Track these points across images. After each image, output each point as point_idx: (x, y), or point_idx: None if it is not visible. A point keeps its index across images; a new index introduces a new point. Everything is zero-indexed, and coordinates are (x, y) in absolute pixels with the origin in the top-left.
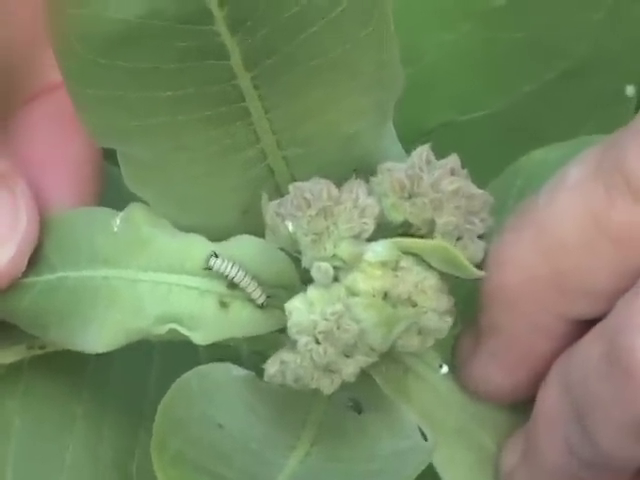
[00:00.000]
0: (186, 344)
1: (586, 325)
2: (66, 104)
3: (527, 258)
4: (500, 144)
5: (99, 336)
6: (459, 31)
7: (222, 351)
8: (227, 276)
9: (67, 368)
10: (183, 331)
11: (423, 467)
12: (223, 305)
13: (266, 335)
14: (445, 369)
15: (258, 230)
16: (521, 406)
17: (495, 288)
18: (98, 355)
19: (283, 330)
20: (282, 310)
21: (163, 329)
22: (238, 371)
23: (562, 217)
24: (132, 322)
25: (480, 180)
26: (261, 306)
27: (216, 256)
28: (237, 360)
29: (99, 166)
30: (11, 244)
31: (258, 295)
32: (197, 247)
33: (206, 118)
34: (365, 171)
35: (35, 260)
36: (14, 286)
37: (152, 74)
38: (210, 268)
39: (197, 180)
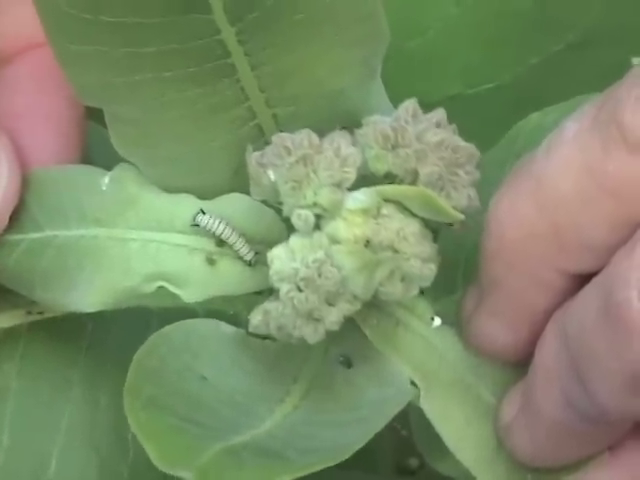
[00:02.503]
0: (184, 311)
1: (586, 279)
2: (46, 61)
3: (525, 213)
4: (507, 116)
5: (87, 296)
6: (465, 4)
7: (221, 318)
8: (215, 233)
9: (65, 334)
10: (172, 288)
11: (402, 406)
12: (211, 262)
13: (261, 298)
14: (437, 322)
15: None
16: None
17: (494, 244)
18: (96, 321)
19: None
20: None
21: (152, 287)
22: (227, 327)
23: (559, 170)
24: (121, 281)
25: (486, 151)
26: (249, 263)
27: (203, 213)
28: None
29: (81, 122)
30: None
31: (246, 252)
32: (185, 205)
33: (191, 75)
34: (356, 126)
35: (19, 217)
36: (0, 244)
37: (135, 29)
38: (197, 225)
39: (186, 139)
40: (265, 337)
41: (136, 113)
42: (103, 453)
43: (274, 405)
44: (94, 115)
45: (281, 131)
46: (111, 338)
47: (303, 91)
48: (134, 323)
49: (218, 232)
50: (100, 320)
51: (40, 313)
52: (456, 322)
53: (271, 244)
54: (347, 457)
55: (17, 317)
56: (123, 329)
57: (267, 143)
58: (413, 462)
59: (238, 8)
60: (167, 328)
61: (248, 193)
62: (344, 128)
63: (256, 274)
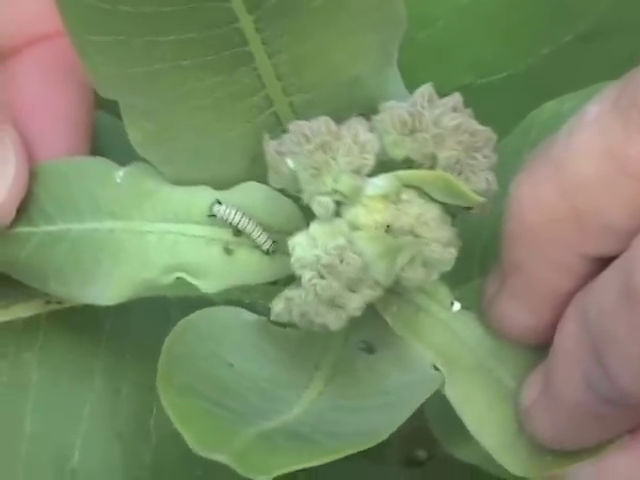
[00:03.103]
0: (203, 299)
1: (607, 263)
2: (54, 53)
3: (547, 196)
4: (518, 106)
5: (107, 289)
6: None
7: (237, 306)
8: (231, 223)
9: (85, 323)
10: (190, 279)
11: (430, 393)
12: (228, 252)
13: (278, 287)
14: (457, 306)
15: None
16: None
17: (516, 227)
18: (115, 310)
19: (293, 278)
20: (289, 255)
21: (170, 278)
22: (248, 315)
23: (580, 153)
24: (139, 274)
25: (499, 141)
26: (267, 252)
27: (219, 203)
28: None
29: (90, 114)
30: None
31: (264, 241)
32: (202, 196)
33: (210, 63)
34: (370, 114)
35: (28, 210)
36: (11, 237)
37: (154, 18)
38: (214, 215)
39: (204, 129)
40: (286, 325)
41: (155, 104)
42: (126, 440)
43: (299, 391)
44: (105, 105)
45: (298, 119)
46: (131, 327)
47: (320, 78)
48: (153, 312)
49: (235, 222)
50: (120, 309)
51: (59, 302)
52: (476, 306)
53: (289, 233)
54: (379, 442)
55: (36, 307)
56: (142, 318)
57: (284, 131)
58: (421, 454)
59: None
60: (192, 316)
61: (265, 182)
62: (361, 114)
63: (274, 263)
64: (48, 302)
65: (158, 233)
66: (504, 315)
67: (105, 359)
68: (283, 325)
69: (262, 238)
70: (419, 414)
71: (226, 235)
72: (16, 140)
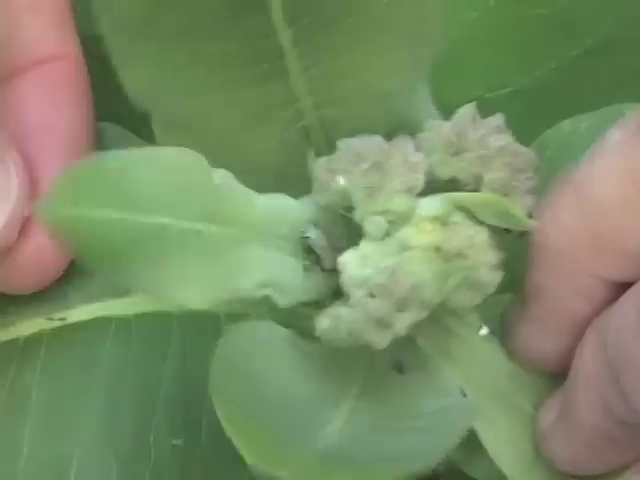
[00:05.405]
0: (205, 315)
1: (627, 288)
2: (56, 77)
3: (568, 220)
4: (527, 121)
5: (199, 292)
6: (483, 8)
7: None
8: (310, 240)
9: (86, 340)
10: (274, 296)
11: (470, 424)
12: (306, 269)
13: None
14: (485, 330)
15: (289, 194)
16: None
17: (538, 252)
18: (117, 326)
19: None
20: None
21: (261, 293)
22: (278, 329)
23: (602, 178)
24: (232, 283)
25: None
26: (324, 268)
27: (314, 226)
28: None
29: (91, 135)
30: (1, 214)
31: (326, 257)
32: (292, 212)
33: (246, 76)
34: (402, 130)
35: None
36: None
37: (196, 30)
38: (307, 237)
39: (233, 143)
40: (312, 340)
41: (187, 113)
42: (124, 458)
43: (333, 408)
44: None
45: (327, 134)
46: (132, 341)
47: (352, 93)
48: (155, 326)
49: (318, 242)
50: (120, 325)
51: (62, 319)
52: (497, 331)
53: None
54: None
55: (38, 324)
56: (144, 332)
57: (311, 144)
58: (437, 467)
59: (295, 10)
60: (233, 331)
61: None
62: (396, 130)
63: (328, 278)
64: (50, 319)
65: (252, 243)
66: (525, 340)
67: (105, 375)
68: (310, 339)
69: (325, 254)
70: None
71: (303, 251)
72: (18, 162)
